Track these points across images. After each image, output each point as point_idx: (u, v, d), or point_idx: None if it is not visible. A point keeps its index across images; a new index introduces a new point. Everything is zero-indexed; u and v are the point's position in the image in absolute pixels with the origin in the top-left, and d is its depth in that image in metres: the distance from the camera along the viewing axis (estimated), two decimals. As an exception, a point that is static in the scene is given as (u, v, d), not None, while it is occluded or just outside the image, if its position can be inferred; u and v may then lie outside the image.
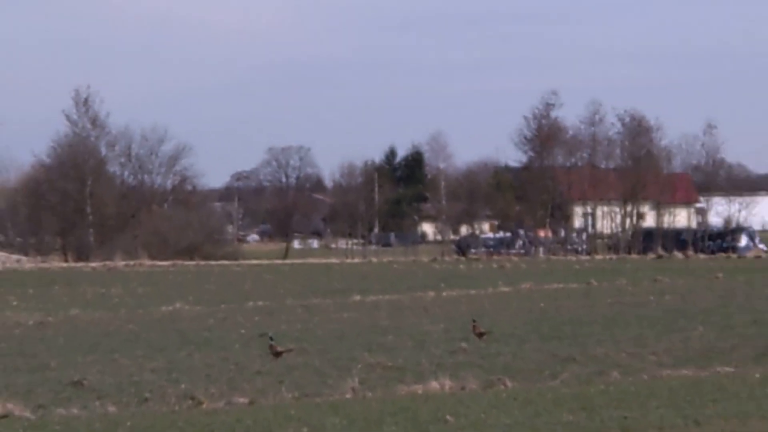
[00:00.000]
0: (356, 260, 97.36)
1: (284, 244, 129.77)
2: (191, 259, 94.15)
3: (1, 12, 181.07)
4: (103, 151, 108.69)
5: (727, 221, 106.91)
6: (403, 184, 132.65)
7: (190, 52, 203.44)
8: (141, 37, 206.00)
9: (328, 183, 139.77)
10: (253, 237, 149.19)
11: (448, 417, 16.98)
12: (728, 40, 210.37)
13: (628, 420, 16.53)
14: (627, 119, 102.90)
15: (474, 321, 29.30)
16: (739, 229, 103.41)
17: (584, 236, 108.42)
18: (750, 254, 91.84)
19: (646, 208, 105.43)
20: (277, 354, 26.46)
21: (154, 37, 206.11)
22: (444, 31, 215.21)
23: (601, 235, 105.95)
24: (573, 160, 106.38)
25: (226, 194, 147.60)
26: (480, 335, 28.34)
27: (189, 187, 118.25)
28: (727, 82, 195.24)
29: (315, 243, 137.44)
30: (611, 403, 18.35)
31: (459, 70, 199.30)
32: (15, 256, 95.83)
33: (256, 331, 33.73)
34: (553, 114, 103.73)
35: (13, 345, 32.73)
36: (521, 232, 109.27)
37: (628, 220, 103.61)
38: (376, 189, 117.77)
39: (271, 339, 27.33)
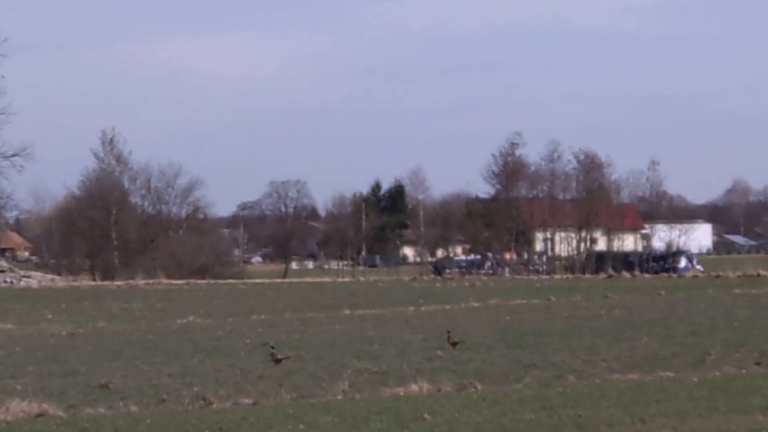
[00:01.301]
0: (346, 279, 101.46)
1: (283, 266, 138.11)
2: (203, 278, 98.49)
3: (39, 63, 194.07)
4: (126, 184, 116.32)
5: (669, 245, 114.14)
6: (387, 213, 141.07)
7: (202, 98, 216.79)
8: (160, 85, 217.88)
9: (322, 212, 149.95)
10: (257, 259, 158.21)
11: (426, 416, 17.87)
12: (670, 87, 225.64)
13: (582, 418, 17.46)
14: (581, 156, 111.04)
15: (448, 332, 30.96)
16: (679, 252, 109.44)
17: (544, 258, 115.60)
18: (688, 274, 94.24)
19: (598, 234, 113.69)
20: (277, 361, 27.65)
21: (171, 85, 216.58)
22: (423, 80, 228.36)
23: (559, 258, 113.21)
24: (534, 192, 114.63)
25: (233, 222, 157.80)
26: (453, 344, 29.62)
27: (201, 216, 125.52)
28: (669, 124, 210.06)
29: (310, 264, 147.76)
30: (567, 403, 19.23)
31: (436, 113, 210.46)
32: (49, 276, 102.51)
33: (258, 341, 34.93)
34: (517, 152, 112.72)
35: (47, 353, 34.07)
36: (489, 254, 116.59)
37: (582, 245, 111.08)
38: (363, 217, 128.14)
39: (272, 348, 28.69)
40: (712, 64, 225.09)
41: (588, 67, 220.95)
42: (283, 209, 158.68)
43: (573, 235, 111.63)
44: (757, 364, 24.97)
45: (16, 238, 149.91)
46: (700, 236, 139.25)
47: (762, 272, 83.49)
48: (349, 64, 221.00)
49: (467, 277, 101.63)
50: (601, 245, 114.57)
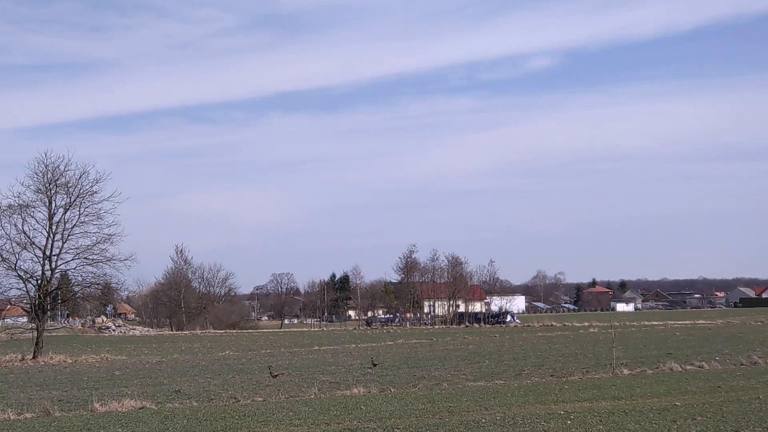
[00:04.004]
0: (316, 329, 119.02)
1: (280, 321, 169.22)
2: (234, 329, 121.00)
3: (137, 206, 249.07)
4: (189, 276, 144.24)
5: (500, 308, 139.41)
6: (338, 291, 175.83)
7: (233, 226, 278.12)
8: (207, 220, 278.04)
9: (302, 290, 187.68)
10: (265, 318, 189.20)
11: (362, 407, 22.15)
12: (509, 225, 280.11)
13: (451, 407, 21.62)
14: (450, 258, 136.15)
15: (372, 358, 38.16)
16: (506, 312, 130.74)
17: (429, 316, 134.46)
18: (512, 325, 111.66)
19: (460, 302, 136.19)
20: (274, 376, 32.84)
21: (212, 221, 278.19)
22: (360, 216, 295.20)
23: (437, 316, 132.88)
24: (423, 278, 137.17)
25: (250, 297, 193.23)
26: (374, 365, 36.15)
27: (232, 294, 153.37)
28: (500, 241, 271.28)
29: (296, 320, 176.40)
30: (443, 399, 23.47)
31: (365, 234, 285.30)
32: (146, 328, 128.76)
33: (265, 365, 40.83)
34: (414, 255, 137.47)
35: (145, 372, 39.94)
36: (398, 314, 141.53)
37: (450, 308, 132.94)
38: (325, 294, 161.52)
39: (270, 368, 34.75)
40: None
41: (452, 212, 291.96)
42: (279, 289, 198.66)
43: (446, 302, 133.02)
44: (552, 376, 29.74)
45: (127, 307, 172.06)
46: (518, 303, 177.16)
47: (554, 323, 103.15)
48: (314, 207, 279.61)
49: (385, 327, 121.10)
50: (462, 308, 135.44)
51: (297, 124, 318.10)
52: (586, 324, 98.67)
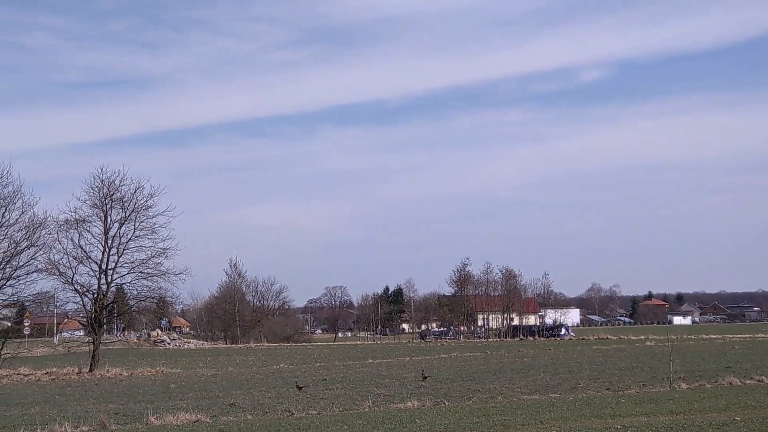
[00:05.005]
0: (370, 342, 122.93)
1: (333, 334, 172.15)
2: (288, 342, 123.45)
3: (192, 219, 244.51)
4: (243, 289, 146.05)
5: (555, 321, 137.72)
6: (392, 304, 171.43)
7: (287, 239, 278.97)
8: (260, 234, 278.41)
9: (356, 303, 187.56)
10: (318, 331, 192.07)
11: (416, 420, 21.88)
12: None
13: (506, 421, 20.94)
14: (504, 271, 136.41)
15: (423, 371, 38.85)
16: (561, 325, 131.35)
17: (483, 329, 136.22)
18: (566, 338, 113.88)
19: (514, 315, 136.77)
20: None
21: (264, 235, 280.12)
22: (414, 229, 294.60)
23: (491, 329, 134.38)
24: (477, 291, 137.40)
25: (304, 310, 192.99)
26: (424, 378, 36.51)
27: (286, 307, 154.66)
28: (554, 253, 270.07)
29: (349, 334, 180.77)
30: (498, 412, 22.95)
31: (420, 248, 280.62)
32: (200, 342, 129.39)
33: (320, 378, 40.94)
34: (467, 268, 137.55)
35: (200, 385, 40.08)
36: (452, 327, 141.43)
37: (504, 321, 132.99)
38: (379, 306, 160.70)
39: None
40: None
41: (505, 224, 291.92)
42: (333, 302, 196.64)
43: (499, 315, 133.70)
44: (608, 389, 29.54)
45: (182, 320, 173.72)
46: (572, 316, 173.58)
47: (610, 336, 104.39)
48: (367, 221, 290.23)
49: (439, 340, 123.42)
50: (516, 321, 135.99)
51: (349, 137, 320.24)
52: (642, 337, 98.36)
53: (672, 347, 46.45)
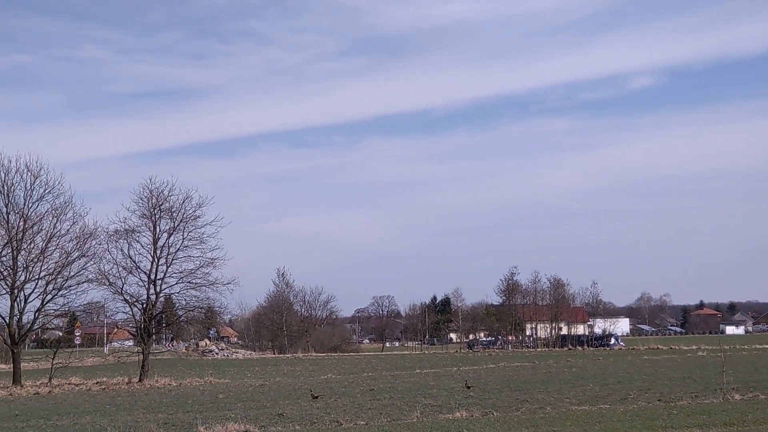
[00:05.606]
0: (417, 352, 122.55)
1: (381, 344, 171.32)
2: (335, 352, 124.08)
3: (238, 230, 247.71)
4: (291, 299, 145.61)
5: (604, 331, 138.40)
6: (440, 314, 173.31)
7: (335, 248, 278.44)
8: (306, 243, 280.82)
9: (404, 313, 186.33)
10: (366, 341, 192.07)
11: (464, 430, 21.39)
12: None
13: (556, 431, 20.57)
14: (552, 280, 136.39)
15: (466, 381, 39.02)
16: (610, 335, 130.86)
17: (531, 339, 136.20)
18: (616, 348, 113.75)
19: (562, 324, 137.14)
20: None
21: (310, 244, 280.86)
22: (461, 238, 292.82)
23: (539, 338, 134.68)
24: (525, 300, 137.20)
25: (352, 320, 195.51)
26: (468, 387, 36.69)
27: (333, 316, 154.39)
28: (603, 263, 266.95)
29: (397, 344, 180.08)
30: (547, 423, 22.47)
31: (468, 258, 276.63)
32: (249, 352, 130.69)
33: (368, 388, 40.91)
34: (515, 278, 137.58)
35: (248, 395, 39.91)
36: (500, 337, 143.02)
37: (553, 331, 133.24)
38: (426, 316, 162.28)
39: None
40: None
41: (553, 233, 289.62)
42: (380, 312, 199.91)
43: (548, 325, 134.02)
44: (659, 400, 29.23)
45: (230, 330, 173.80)
46: (622, 325, 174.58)
47: (660, 346, 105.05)
48: (416, 227, 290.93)
49: (487, 350, 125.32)
50: (564, 331, 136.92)
51: (396, 147, 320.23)
52: (694, 347, 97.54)
53: (725, 357, 45.80)
